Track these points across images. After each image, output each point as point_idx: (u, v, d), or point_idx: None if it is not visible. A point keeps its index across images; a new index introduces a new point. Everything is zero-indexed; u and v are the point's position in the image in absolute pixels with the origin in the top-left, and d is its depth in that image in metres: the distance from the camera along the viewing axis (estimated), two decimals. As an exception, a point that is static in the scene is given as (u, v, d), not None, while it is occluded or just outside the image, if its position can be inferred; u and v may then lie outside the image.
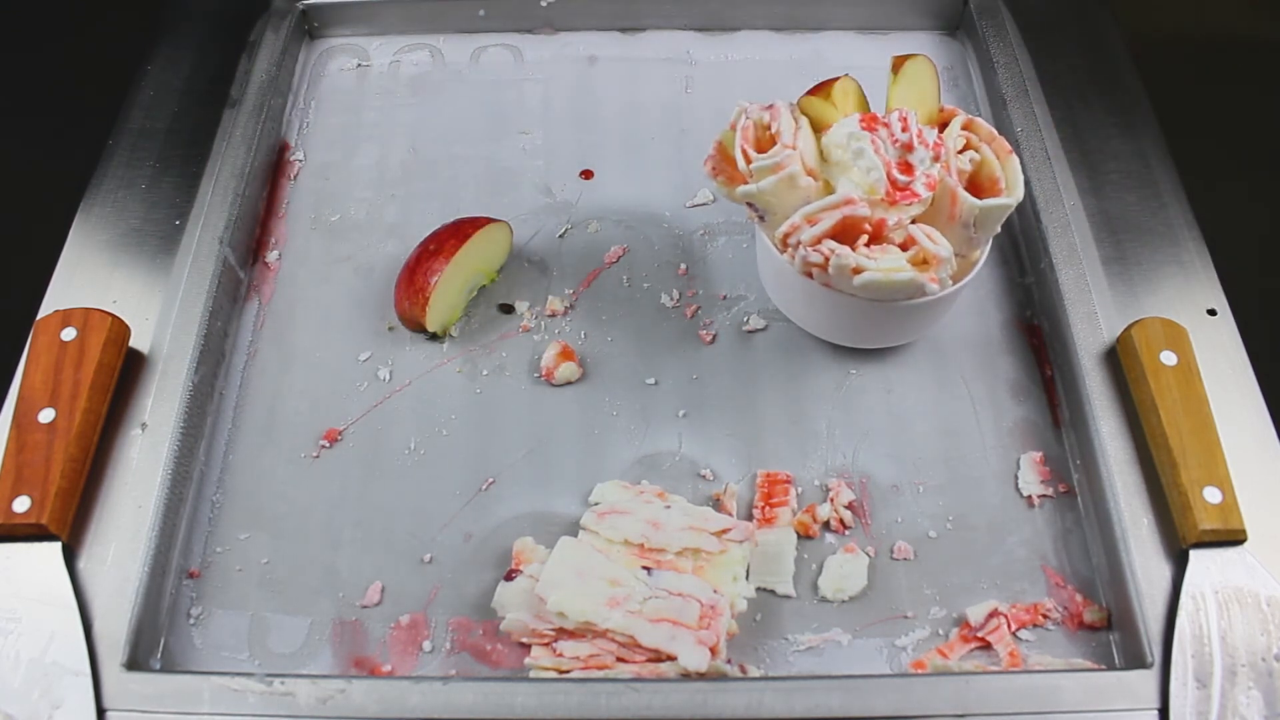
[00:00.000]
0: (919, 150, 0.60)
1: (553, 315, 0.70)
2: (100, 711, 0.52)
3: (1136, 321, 0.63)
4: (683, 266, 0.73)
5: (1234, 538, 0.55)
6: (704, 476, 0.63)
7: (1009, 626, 0.57)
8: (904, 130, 0.60)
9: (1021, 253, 0.73)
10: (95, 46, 1.02)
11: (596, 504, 0.61)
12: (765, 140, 0.62)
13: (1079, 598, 0.59)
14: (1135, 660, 0.55)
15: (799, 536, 0.61)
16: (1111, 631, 0.58)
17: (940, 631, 0.58)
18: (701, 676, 0.53)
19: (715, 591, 0.56)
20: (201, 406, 0.64)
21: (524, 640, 0.56)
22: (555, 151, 0.79)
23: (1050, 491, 0.63)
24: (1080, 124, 0.76)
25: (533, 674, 0.55)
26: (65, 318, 0.61)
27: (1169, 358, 0.60)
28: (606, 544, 0.58)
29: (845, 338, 0.68)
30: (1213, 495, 0.56)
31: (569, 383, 0.67)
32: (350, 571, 0.60)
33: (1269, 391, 0.62)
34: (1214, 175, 0.80)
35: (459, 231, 0.68)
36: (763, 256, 0.68)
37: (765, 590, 0.59)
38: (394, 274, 0.70)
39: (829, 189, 0.62)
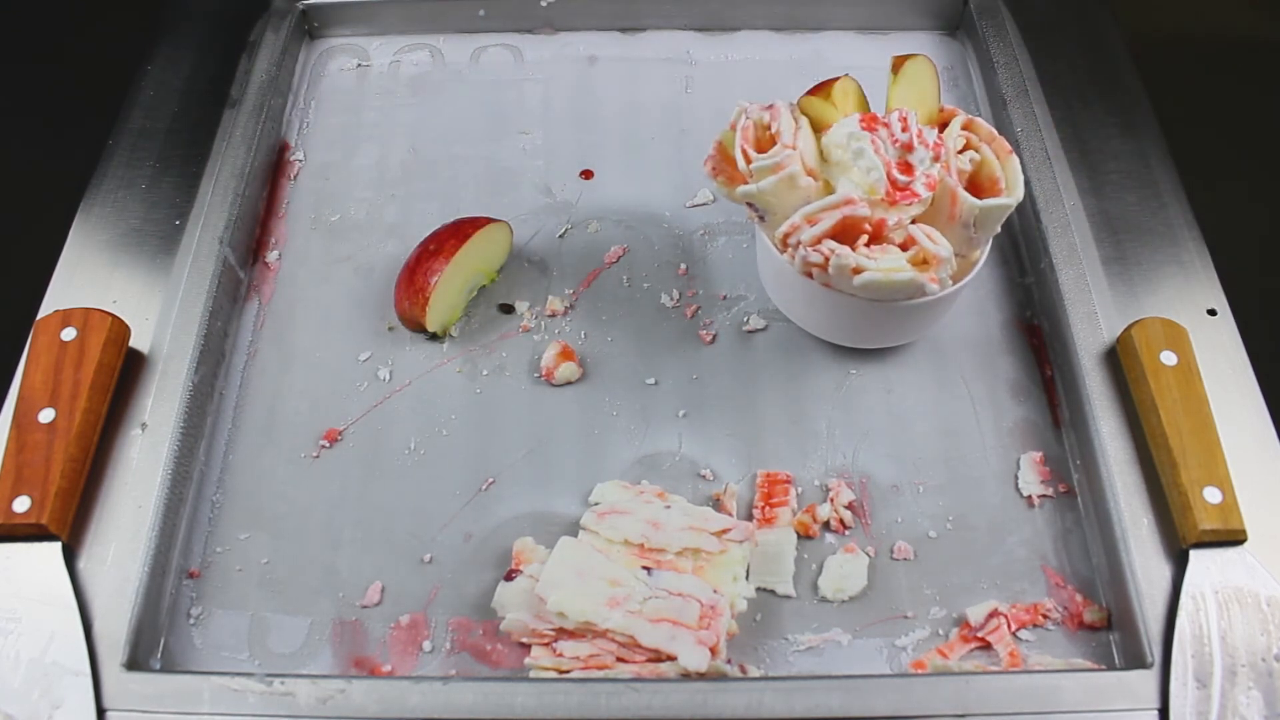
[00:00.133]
0: (919, 150, 0.60)
1: (553, 315, 0.70)
2: (100, 711, 0.52)
3: (1136, 321, 0.63)
4: (683, 266, 0.73)
5: (1234, 538, 0.55)
6: (704, 476, 0.63)
7: (1009, 626, 0.57)
8: (904, 130, 0.60)
9: (1021, 253, 0.73)
10: (95, 46, 1.02)
11: (596, 504, 0.61)
12: (765, 140, 0.62)
13: (1079, 598, 0.59)
14: (1135, 660, 0.55)
15: (799, 536, 0.61)
16: (1111, 631, 0.58)
17: (940, 631, 0.58)
18: (701, 676, 0.53)
19: (715, 591, 0.56)
20: (201, 406, 0.64)
21: (524, 640, 0.56)
22: (555, 151, 0.79)
23: (1050, 491, 0.63)
24: (1080, 124, 0.76)
25: (533, 674, 0.55)
26: (65, 318, 0.61)
27: (1169, 358, 0.60)
28: (606, 544, 0.58)
29: (845, 338, 0.68)
30: (1213, 495, 0.56)
31: (569, 383, 0.67)
32: (350, 571, 0.60)
33: (1269, 391, 0.62)
34: (1214, 175, 0.80)
35: (459, 231, 0.68)
36: (763, 256, 0.68)
37: (765, 590, 0.59)
38: (394, 274, 0.70)
39: (829, 189, 0.62)
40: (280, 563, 0.60)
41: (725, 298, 0.71)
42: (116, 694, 0.52)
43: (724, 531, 0.59)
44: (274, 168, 0.78)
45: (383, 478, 0.64)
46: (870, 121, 0.61)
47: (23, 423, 0.58)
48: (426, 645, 0.58)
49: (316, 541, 0.61)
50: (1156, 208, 0.71)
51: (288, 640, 0.58)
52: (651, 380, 0.67)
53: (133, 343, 0.64)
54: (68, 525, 0.57)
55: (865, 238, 0.60)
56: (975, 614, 0.58)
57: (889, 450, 0.64)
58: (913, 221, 0.60)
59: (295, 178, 0.78)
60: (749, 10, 0.86)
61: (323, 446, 0.65)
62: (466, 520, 0.62)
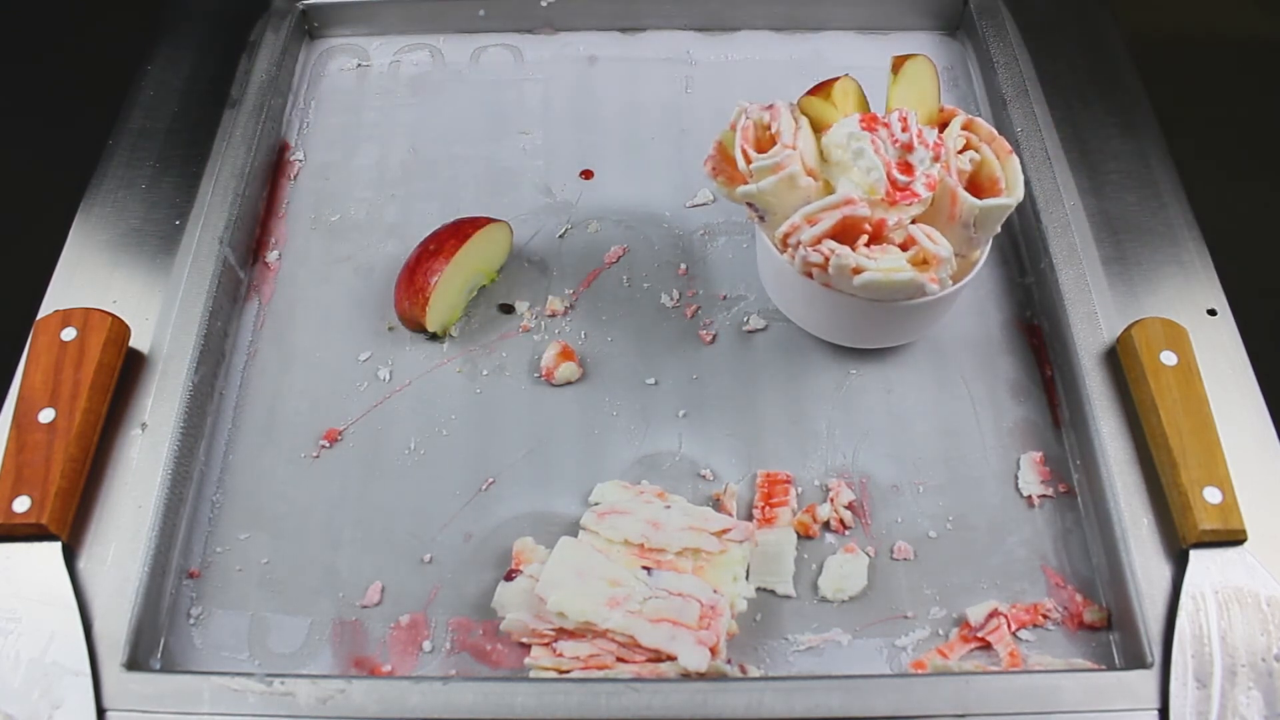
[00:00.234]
0: (919, 150, 0.60)
1: (553, 315, 0.70)
2: (100, 711, 0.52)
3: (1136, 321, 0.63)
4: (683, 266, 0.73)
5: (1234, 538, 0.55)
6: (704, 476, 0.63)
7: (1009, 626, 0.57)
8: (904, 130, 0.60)
9: (1021, 253, 0.73)
10: (95, 46, 1.02)
11: (596, 504, 0.61)
12: (765, 140, 0.62)
13: (1079, 598, 0.59)
14: (1135, 660, 0.55)
15: (799, 536, 0.61)
16: (1111, 631, 0.58)
17: (940, 631, 0.58)
18: (701, 676, 0.53)
19: (715, 591, 0.56)
20: (201, 406, 0.64)
21: (524, 640, 0.56)
22: (555, 151, 0.79)
23: (1050, 491, 0.63)
24: (1080, 124, 0.76)
25: (533, 674, 0.55)
26: (65, 318, 0.61)
27: (1169, 358, 0.60)
28: (606, 544, 0.58)
29: (845, 338, 0.68)
30: (1213, 495, 0.56)
31: (569, 383, 0.67)
32: (350, 571, 0.60)
33: (1269, 391, 0.62)
34: (1214, 175, 0.80)
35: (459, 231, 0.68)
36: (763, 256, 0.68)
37: (765, 590, 0.59)
38: (394, 274, 0.70)
39: (829, 189, 0.62)
40: (280, 563, 0.60)
41: (725, 298, 0.71)
42: (116, 694, 0.52)
43: (724, 531, 0.59)
44: (274, 168, 0.78)
45: (383, 478, 0.64)
46: (870, 121, 0.61)
47: (23, 423, 0.58)
48: (426, 645, 0.58)
49: (316, 541, 0.61)
50: (1156, 208, 0.71)
51: (288, 640, 0.58)
52: (651, 380, 0.67)
53: (133, 343, 0.64)
54: (68, 525, 0.57)
55: (865, 238, 0.60)
56: (975, 614, 0.58)
57: (889, 450, 0.64)
58: (913, 221, 0.60)
59: (295, 178, 0.78)
60: (749, 10, 0.86)
61: (323, 446, 0.65)
62: (466, 520, 0.62)
